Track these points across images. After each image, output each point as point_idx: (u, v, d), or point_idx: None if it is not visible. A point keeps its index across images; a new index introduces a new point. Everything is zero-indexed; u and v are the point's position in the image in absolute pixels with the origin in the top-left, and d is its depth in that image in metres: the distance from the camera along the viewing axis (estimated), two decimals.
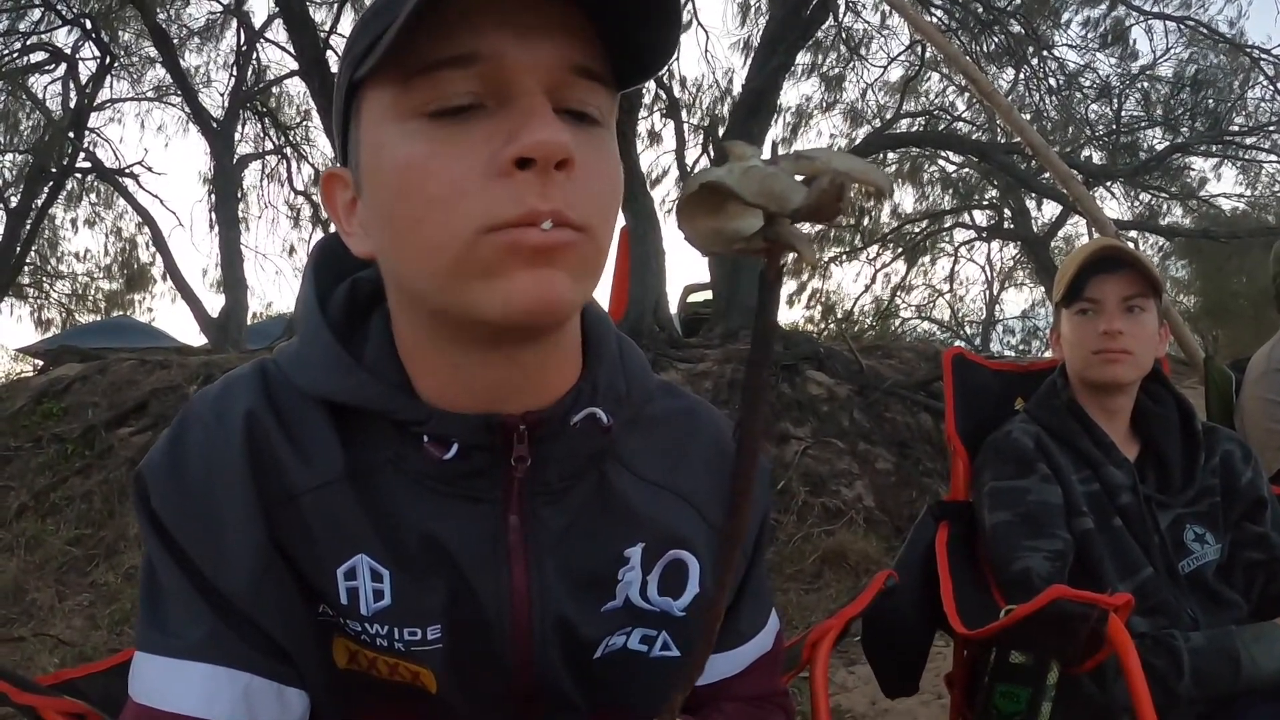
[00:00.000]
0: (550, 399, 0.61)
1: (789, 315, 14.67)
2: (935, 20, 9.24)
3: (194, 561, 0.59)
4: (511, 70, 0.52)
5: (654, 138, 11.33)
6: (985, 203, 13.80)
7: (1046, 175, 8.60)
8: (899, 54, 10.92)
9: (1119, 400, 1.44)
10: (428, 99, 0.52)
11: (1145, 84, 9.97)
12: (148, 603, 0.60)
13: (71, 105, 11.43)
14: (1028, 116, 9.24)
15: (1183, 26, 9.53)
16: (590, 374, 0.64)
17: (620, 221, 0.68)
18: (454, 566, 0.61)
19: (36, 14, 10.46)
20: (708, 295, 8.60)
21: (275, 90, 12.28)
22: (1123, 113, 10.07)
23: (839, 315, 14.79)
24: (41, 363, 8.07)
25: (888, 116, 11.60)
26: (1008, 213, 13.44)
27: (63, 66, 11.26)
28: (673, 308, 8.20)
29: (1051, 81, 9.93)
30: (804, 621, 3.34)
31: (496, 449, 0.60)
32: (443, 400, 0.60)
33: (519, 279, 0.52)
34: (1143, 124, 10.12)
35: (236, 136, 11.90)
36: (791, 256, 0.46)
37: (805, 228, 0.45)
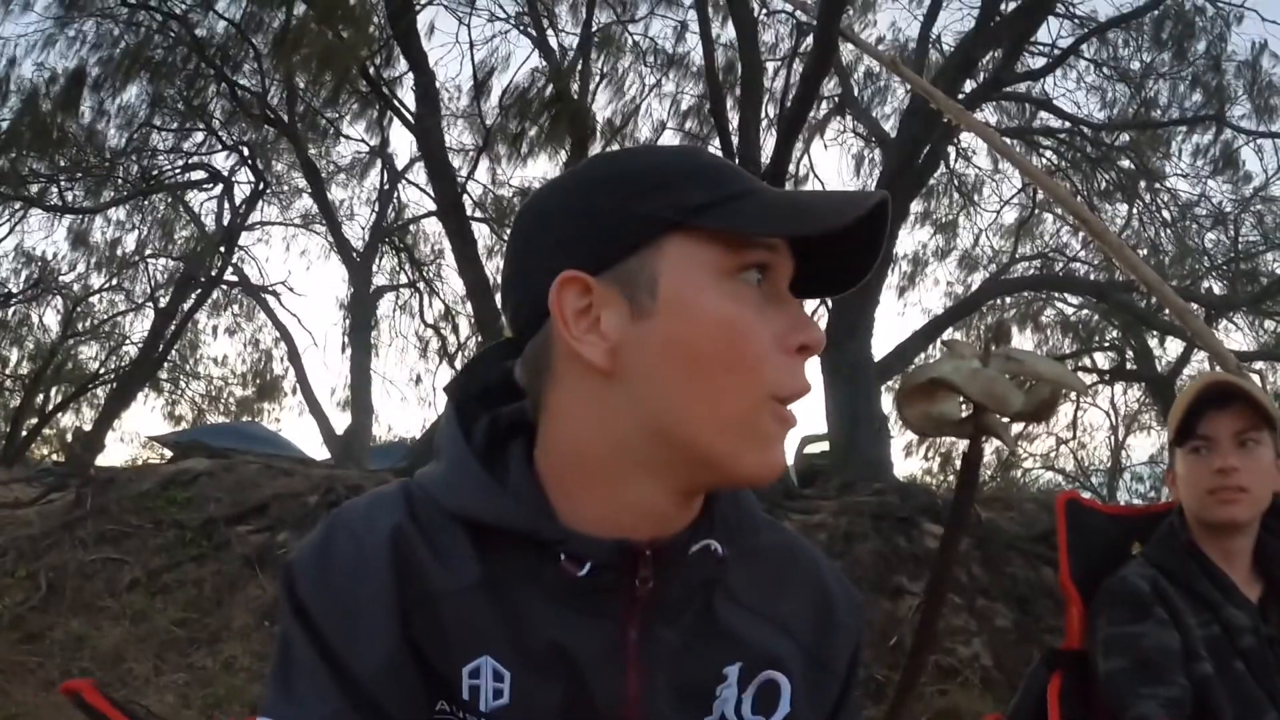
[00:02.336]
0: (675, 530, 0.68)
1: (906, 467, 14.33)
2: (1045, 161, 9.27)
3: (330, 644, 0.63)
4: (782, 268, 0.66)
5: None
6: (1106, 344, 13.38)
7: (1166, 312, 8.34)
8: (1011, 197, 10.96)
9: (1238, 540, 1.39)
10: (742, 267, 0.64)
11: (1259, 206, 9.69)
12: (279, 674, 0.65)
13: (224, 222, 12.46)
14: (1144, 251, 9.06)
15: None
16: (709, 509, 0.70)
17: None
18: (574, 672, 0.65)
19: (199, 136, 11.60)
20: (824, 446, 8.53)
21: (413, 228, 13.10)
22: (1240, 239, 9.76)
23: (958, 467, 14.30)
24: (170, 453, 8.53)
25: (1003, 261, 11.53)
26: (1130, 353, 12.97)
27: (219, 186, 12.35)
28: (789, 458, 8.12)
29: (1165, 214, 9.77)
30: None
31: (623, 570, 0.66)
32: (580, 524, 0.66)
33: (776, 448, 0.66)
34: (1260, 248, 9.76)
35: (374, 268, 12.66)
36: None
37: None
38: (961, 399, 0.53)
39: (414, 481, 0.71)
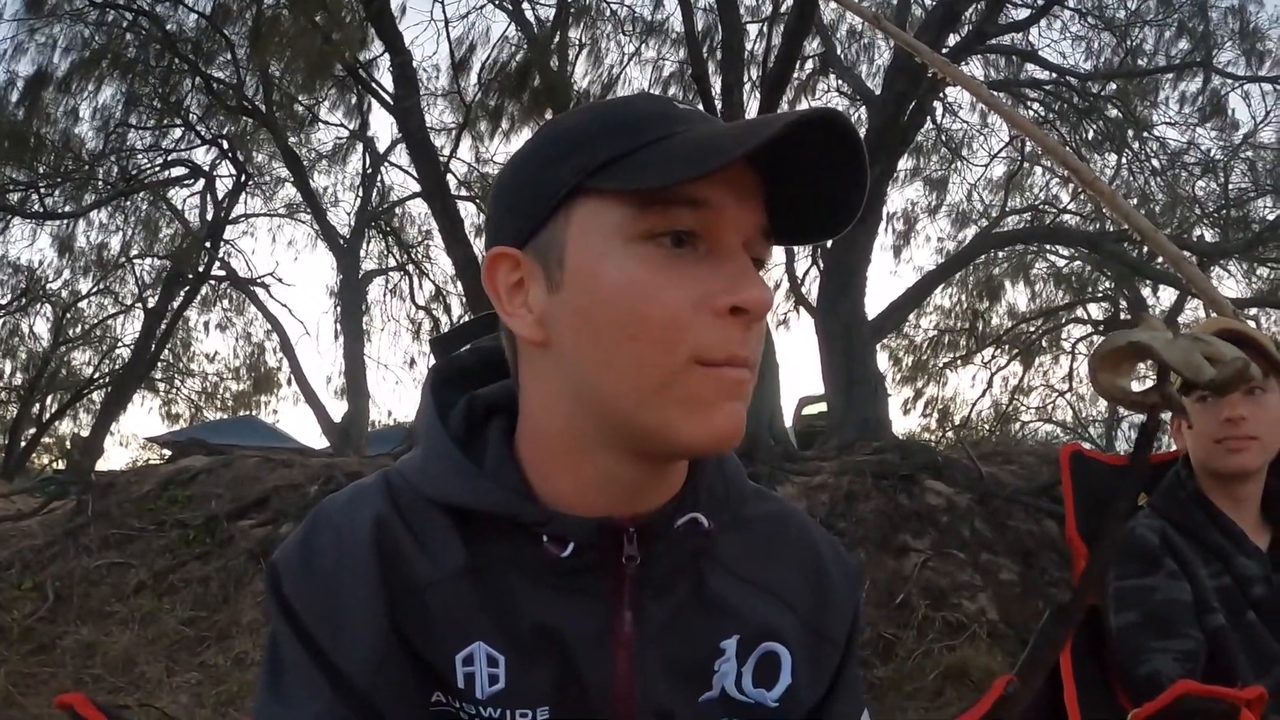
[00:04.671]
0: (658, 504, 0.66)
1: (905, 424, 14.39)
2: (1032, 113, 9.22)
3: (317, 641, 0.62)
4: (727, 223, 0.60)
5: None
6: (1100, 295, 13.39)
7: (1159, 260, 8.34)
8: (999, 150, 10.91)
9: (1247, 488, 1.38)
10: (657, 228, 0.59)
11: (1249, 153, 9.66)
12: (269, 677, 0.64)
13: (208, 217, 12.38)
14: (1134, 201, 9.03)
15: (1279, 87, 9.24)
16: (693, 481, 0.68)
17: None
18: (564, 654, 0.64)
19: (177, 133, 11.51)
20: (822, 407, 8.56)
21: (398, 210, 13.05)
22: (1230, 185, 9.74)
23: (956, 422, 14.42)
24: (169, 452, 8.53)
25: (994, 215, 11.50)
26: (1124, 304, 12.98)
27: (201, 182, 12.28)
28: (788, 420, 8.19)
29: (1155, 162, 9.74)
30: None
31: (607, 548, 0.64)
32: (560, 504, 0.65)
33: (719, 411, 0.60)
34: (1251, 194, 9.75)
35: (362, 253, 12.66)
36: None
37: None
38: (1141, 374, 0.57)
39: (394, 470, 0.70)
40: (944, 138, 10.80)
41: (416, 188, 10.21)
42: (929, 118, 9.28)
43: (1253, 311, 9.79)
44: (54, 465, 14.99)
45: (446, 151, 10.06)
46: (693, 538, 0.67)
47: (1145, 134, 9.62)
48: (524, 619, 0.64)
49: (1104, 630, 1.37)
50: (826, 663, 0.73)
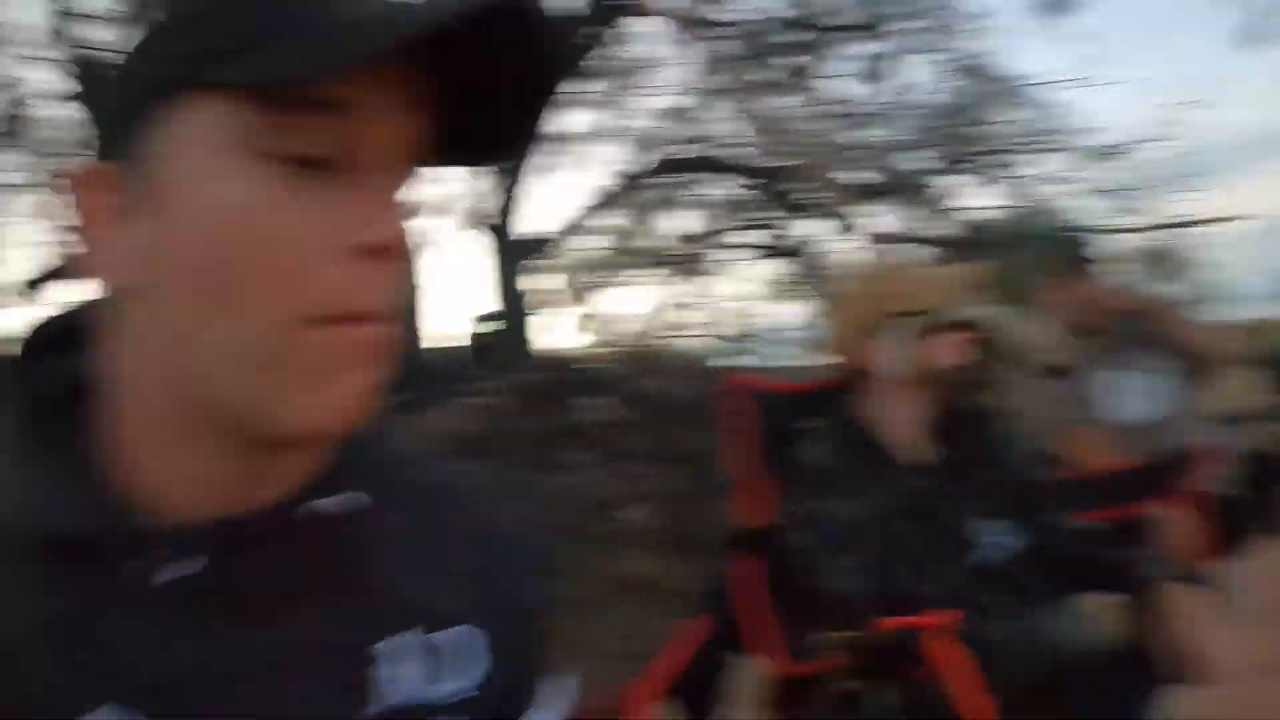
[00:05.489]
0: (288, 489, 0.52)
1: (565, 342, 14.79)
2: (708, 52, 9.67)
3: None
4: (371, 135, 0.47)
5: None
6: (760, 222, 14.49)
7: (811, 193, 9.25)
8: (669, 83, 11.29)
9: (923, 401, 1.47)
10: (286, 142, 0.45)
11: (905, 110, 10.95)
12: None
13: None
14: (799, 144, 9.84)
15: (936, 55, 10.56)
16: (337, 456, 0.55)
17: None
18: (205, 692, 0.50)
19: None
20: (493, 326, 8.59)
21: None
22: (888, 138, 10.99)
23: (616, 339, 15.03)
24: None
25: (662, 143, 11.92)
26: (779, 231, 14.19)
27: None
28: (458, 339, 8.24)
29: (818, 110, 10.66)
30: (596, 652, 3.30)
31: (228, 556, 0.50)
32: (166, 507, 0.50)
33: (341, 384, 0.47)
34: (903, 146, 11.07)
35: None
36: None
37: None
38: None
39: None
40: (613, 65, 10.97)
41: None
42: (603, 43, 9.37)
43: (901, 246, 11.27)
44: None
45: None
46: (340, 523, 0.55)
47: (811, 84, 10.46)
48: (146, 662, 0.49)
49: (779, 552, 1.41)
50: (520, 637, 0.63)
